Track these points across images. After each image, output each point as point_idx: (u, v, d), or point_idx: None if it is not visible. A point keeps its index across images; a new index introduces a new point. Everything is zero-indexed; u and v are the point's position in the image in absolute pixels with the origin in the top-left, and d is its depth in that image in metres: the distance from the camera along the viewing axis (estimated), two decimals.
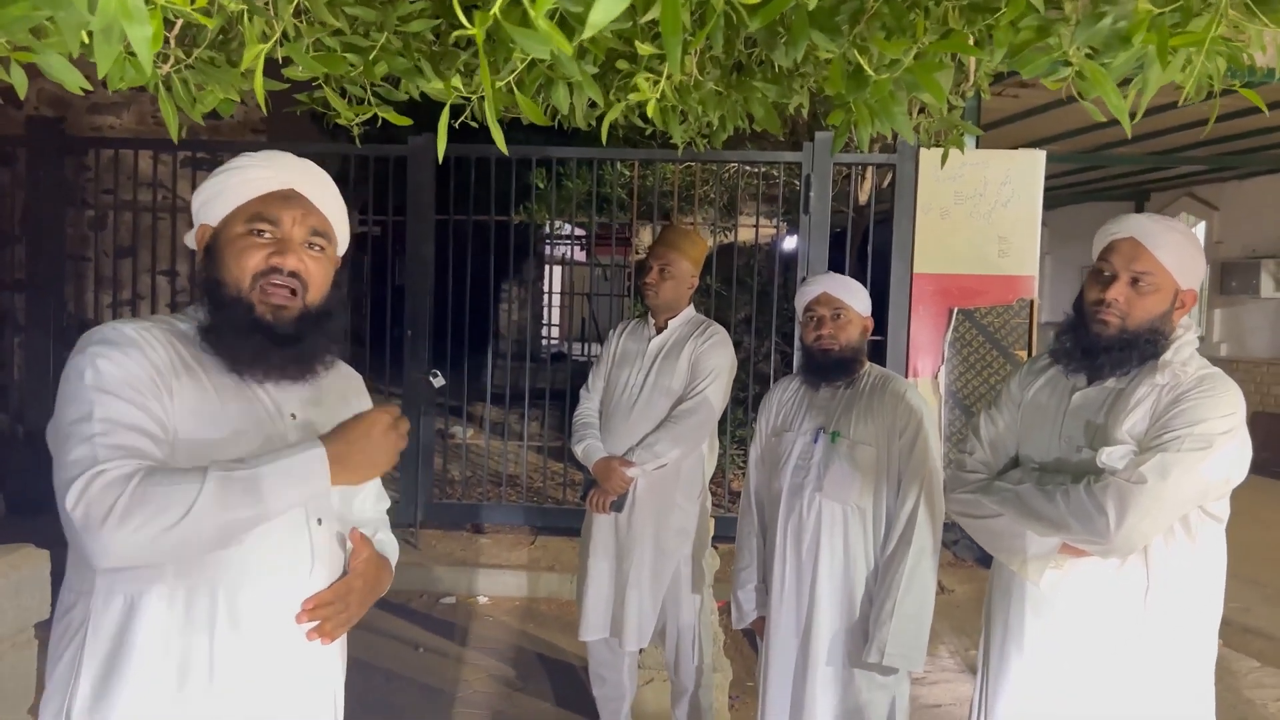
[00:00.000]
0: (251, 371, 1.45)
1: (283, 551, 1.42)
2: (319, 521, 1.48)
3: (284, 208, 1.48)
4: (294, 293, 1.46)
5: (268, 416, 1.46)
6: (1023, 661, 2.03)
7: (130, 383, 1.32)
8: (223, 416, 1.41)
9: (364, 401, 1.69)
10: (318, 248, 1.51)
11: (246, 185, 1.49)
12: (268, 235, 1.46)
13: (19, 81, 1.38)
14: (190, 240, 1.56)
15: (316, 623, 1.45)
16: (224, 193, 1.49)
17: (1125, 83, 1.54)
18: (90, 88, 1.44)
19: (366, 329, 5.52)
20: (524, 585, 5.04)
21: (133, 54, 1.35)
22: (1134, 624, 1.90)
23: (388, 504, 1.81)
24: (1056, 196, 11.50)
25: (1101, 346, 1.94)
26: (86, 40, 1.04)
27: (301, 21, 1.64)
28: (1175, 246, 1.92)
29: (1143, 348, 1.92)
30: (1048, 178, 5.18)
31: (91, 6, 0.96)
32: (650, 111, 1.64)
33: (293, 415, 1.50)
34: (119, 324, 1.40)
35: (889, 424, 2.51)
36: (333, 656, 1.55)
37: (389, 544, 1.73)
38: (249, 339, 1.43)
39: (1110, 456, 1.85)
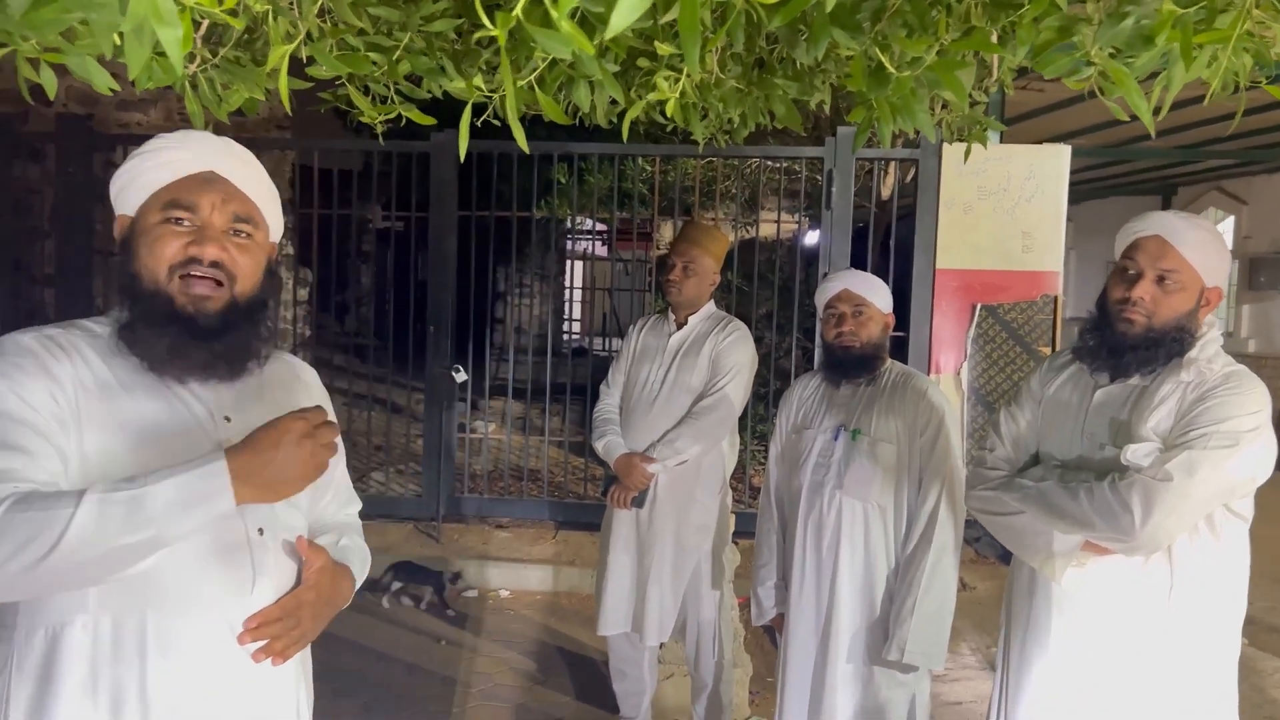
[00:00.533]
0: (170, 370, 1.32)
1: (219, 567, 1.29)
2: (260, 531, 1.34)
3: (202, 192, 1.36)
4: (219, 283, 1.34)
5: (196, 423, 1.33)
6: (1045, 659, 2.02)
7: (18, 396, 1.21)
8: (141, 426, 1.28)
9: (319, 398, 1.55)
10: (243, 234, 1.38)
11: (161, 169, 1.37)
12: (185, 223, 1.34)
13: (49, 82, 1.41)
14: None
15: (264, 642, 1.31)
16: (137, 178, 1.38)
17: (1152, 76, 1.53)
18: (119, 88, 1.47)
19: (389, 324, 5.56)
20: (545, 579, 5.07)
21: (161, 54, 1.37)
22: (1158, 622, 1.90)
23: (358, 506, 1.69)
24: (1082, 191, 11.40)
25: (1127, 345, 1.93)
26: (118, 42, 1.06)
27: (325, 22, 1.66)
28: (1201, 244, 1.91)
29: (1169, 346, 1.91)
30: (1073, 172, 5.14)
31: (123, 8, 0.98)
32: (671, 110, 1.65)
33: (227, 419, 1.36)
34: (18, 334, 1.29)
35: (910, 421, 2.50)
36: (291, 676, 1.41)
37: (354, 550, 1.57)
38: (165, 333, 1.31)
39: (1135, 454, 1.84)
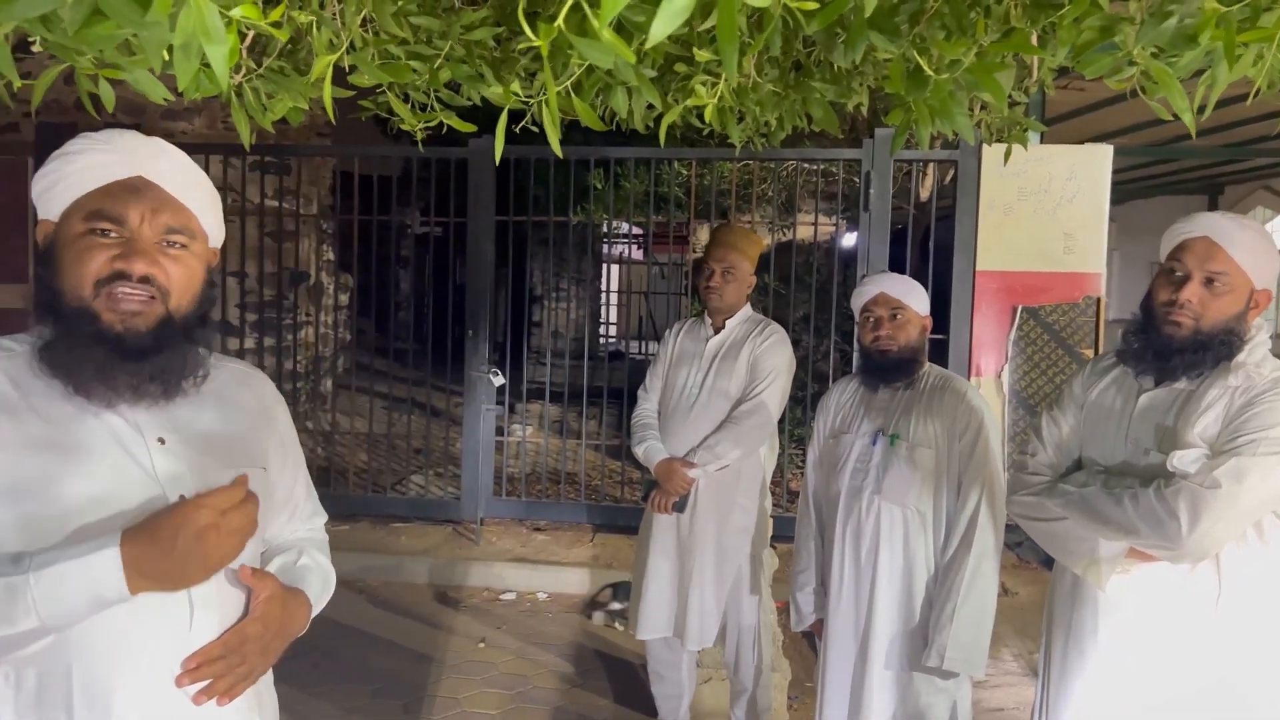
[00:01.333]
0: (95, 392, 1.19)
1: (151, 607, 1.17)
2: None
3: (131, 202, 1.23)
4: (151, 298, 1.23)
5: (120, 448, 1.20)
6: (1088, 666, 2.00)
7: None
8: (59, 454, 1.16)
9: (271, 407, 1.46)
10: (177, 245, 1.26)
11: (85, 174, 1.24)
12: (112, 234, 1.22)
13: (106, 95, 1.44)
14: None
15: (206, 683, 1.21)
16: (59, 182, 1.24)
17: (1196, 75, 1.51)
18: (172, 98, 1.50)
19: (428, 328, 5.61)
20: (583, 582, 5.09)
21: (209, 65, 1.40)
22: (1205, 630, 1.86)
23: (323, 519, 1.58)
24: (1125, 190, 11.24)
25: (1174, 349, 1.89)
26: (167, 57, 1.08)
27: (367, 31, 1.68)
28: (1251, 245, 1.87)
29: (1217, 349, 1.88)
30: (1115, 171, 5.07)
31: (172, 24, 1.00)
32: (709, 116, 1.65)
33: (161, 440, 1.24)
34: None
35: (949, 425, 2.48)
36: (242, 712, 1.29)
37: (314, 569, 1.45)
38: (90, 355, 1.18)
39: (1182, 460, 1.81)
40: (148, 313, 1.22)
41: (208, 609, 1.23)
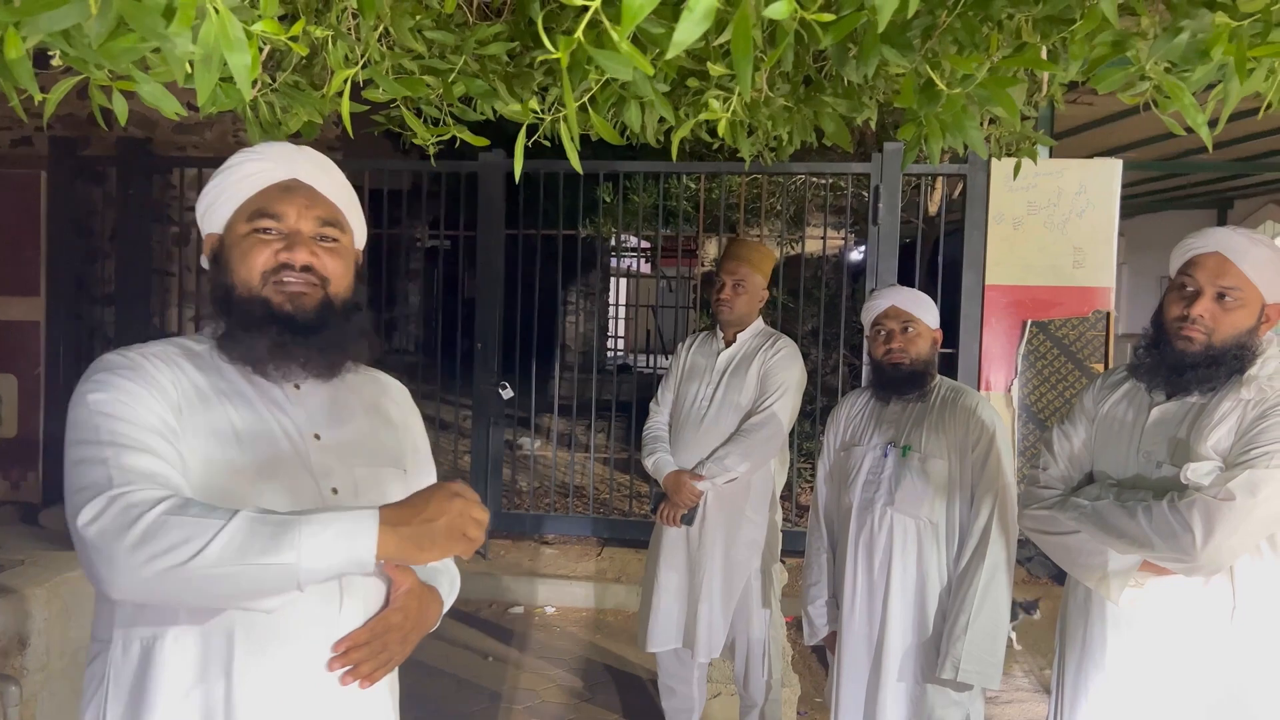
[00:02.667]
0: (271, 367, 1.34)
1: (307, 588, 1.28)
2: None
3: (287, 200, 1.37)
4: (313, 285, 1.36)
5: (287, 440, 1.34)
6: (1101, 680, 1.99)
7: (134, 405, 1.24)
8: (236, 440, 1.30)
9: (408, 415, 1.57)
10: (330, 239, 1.40)
11: (244, 182, 1.38)
12: (273, 231, 1.36)
13: (120, 109, 1.45)
14: (205, 261, 1.45)
15: (350, 666, 1.31)
16: (223, 194, 1.39)
17: (1207, 90, 1.52)
18: (185, 113, 1.51)
19: (437, 341, 5.63)
20: (591, 596, 5.08)
21: (227, 80, 1.42)
22: (1220, 644, 1.86)
23: None
24: (1134, 205, 11.21)
25: (1187, 364, 1.90)
26: (189, 69, 1.10)
27: (383, 46, 1.70)
28: (1262, 260, 1.88)
29: (1229, 364, 1.88)
30: (1125, 185, 5.06)
31: (194, 36, 1.01)
32: (722, 130, 1.66)
33: (316, 436, 1.38)
34: (123, 350, 1.32)
35: (961, 438, 2.48)
36: (378, 698, 1.41)
37: (443, 572, 1.55)
38: (264, 333, 1.32)
39: (1195, 473, 1.81)
40: (311, 294, 1.35)
41: (354, 596, 1.32)
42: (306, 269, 1.35)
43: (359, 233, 1.49)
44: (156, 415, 1.25)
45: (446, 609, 1.53)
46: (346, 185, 1.46)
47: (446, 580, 1.54)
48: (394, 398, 1.57)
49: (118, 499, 1.14)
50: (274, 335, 1.32)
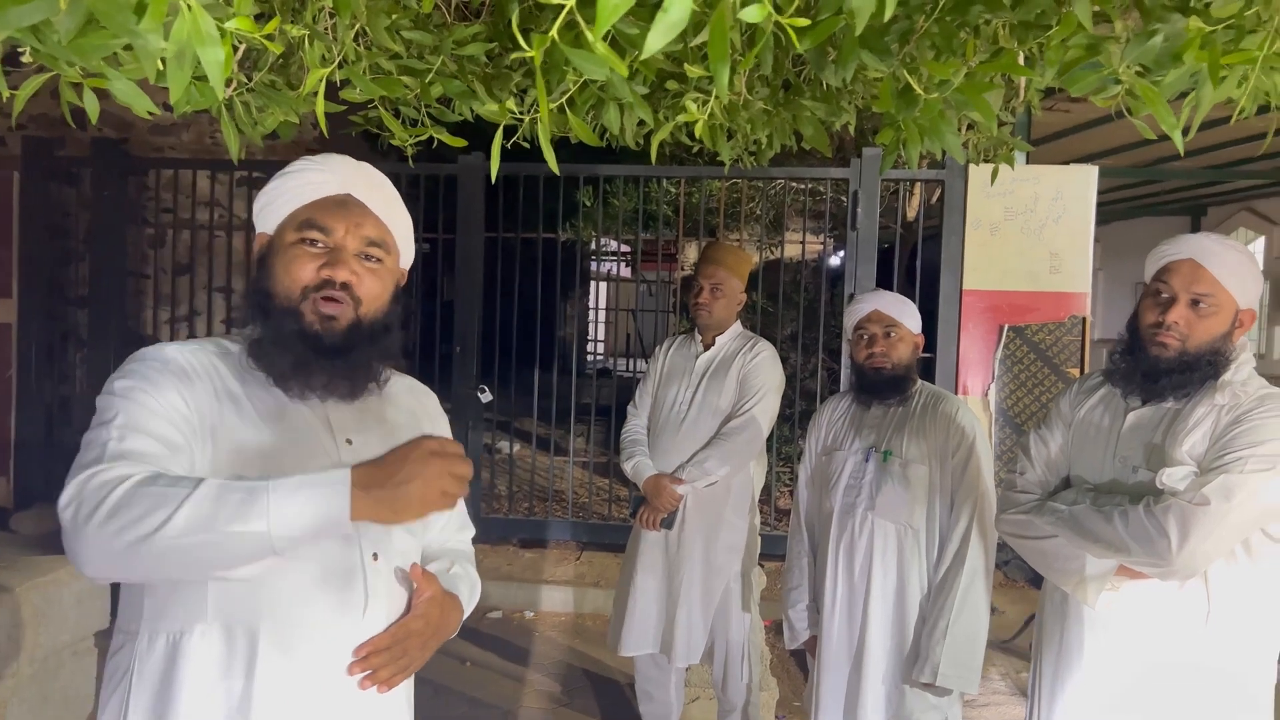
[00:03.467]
0: (293, 384, 1.35)
1: (333, 589, 1.30)
2: (375, 557, 1.35)
3: (338, 215, 1.38)
4: (346, 305, 1.37)
5: (318, 443, 1.36)
6: (1078, 683, 1.99)
7: (154, 395, 1.25)
8: (268, 443, 1.31)
9: (437, 422, 1.59)
10: (374, 259, 1.40)
11: (301, 190, 1.40)
12: (320, 245, 1.37)
13: (91, 107, 1.43)
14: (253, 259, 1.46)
15: (370, 670, 1.32)
16: (278, 198, 1.41)
17: (1180, 97, 1.53)
18: (158, 112, 1.50)
19: (415, 345, 5.60)
20: (570, 601, 5.06)
21: (200, 78, 1.40)
22: (1194, 647, 1.87)
23: (471, 533, 1.68)
24: (1110, 211, 11.33)
25: (1162, 369, 1.91)
26: (161, 67, 1.08)
27: (360, 45, 1.68)
28: (1235, 266, 1.89)
29: (1203, 370, 1.89)
30: (1100, 192, 5.11)
31: (165, 32, 1.00)
32: (700, 132, 1.66)
33: (348, 441, 1.39)
34: (160, 346, 1.34)
35: (941, 443, 2.49)
36: (395, 703, 1.41)
37: (464, 578, 1.55)
38: (290, 350, 1.34)
39: (1171, 478, 1.82)
40: (341, 317, 1.36)
41: (378, 600, 1.34)
42: (345, 286, 1.36)
43: (406, 254, 1.50)
44: (173, 406, 1.26)
45: (466, 616, 1.54)
46: (401, 206, 1.47)
47: (467, 587, 1.55)
48: (424, 405, 1.59)
49: (94, 476, 1.14)
50: (299, 353, 1.34)
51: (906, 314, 2.60)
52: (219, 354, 1.37)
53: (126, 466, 1.16)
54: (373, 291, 1.39)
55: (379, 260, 1.41)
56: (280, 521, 1.11)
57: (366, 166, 1.45)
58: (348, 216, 1.38)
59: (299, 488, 1.13)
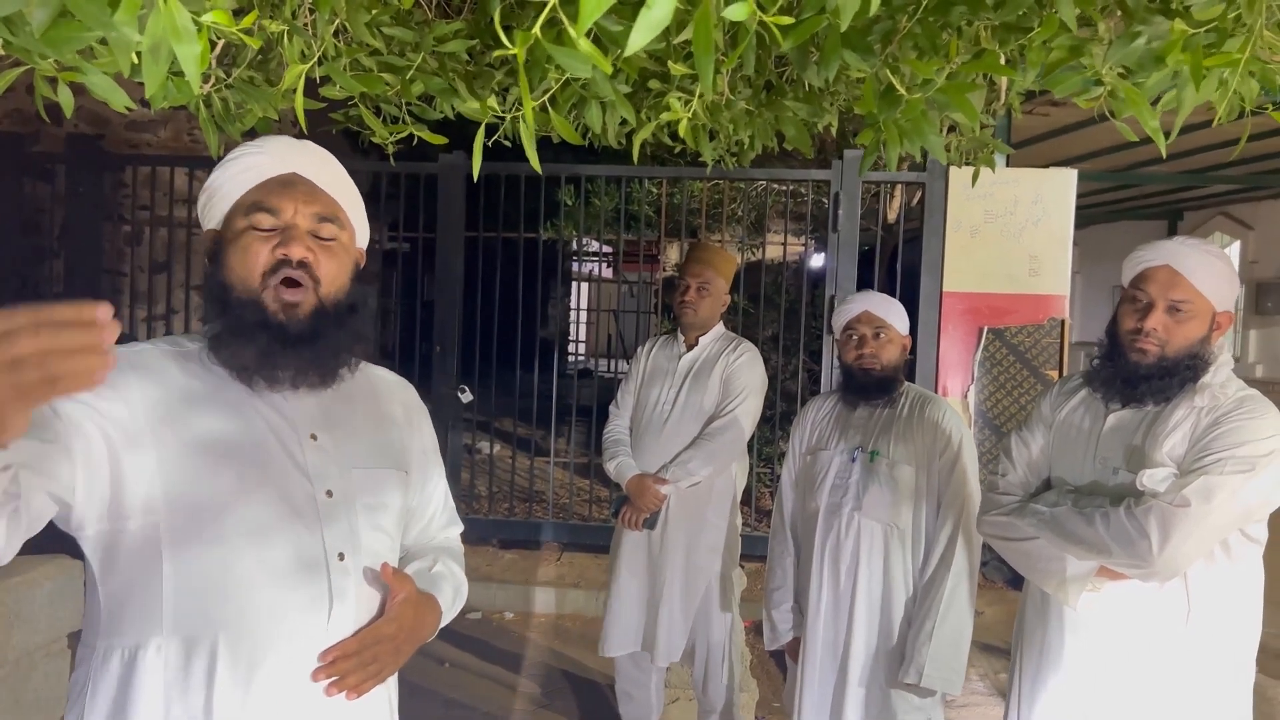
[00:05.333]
0: (258, 377, 1.28)
1: (294, 592, 1.24)
2: (340, 557, 1.28)
3: (284, 194, 1.31)
4: (305, 286, 1.29)
5: (279, 443, 1.29)
6: (1058, 683, 2.00)
7: (74, 400, 1.14)
8: (222, 441, 1.25)
9: (413, 414, 1.52)
10: (328, 238, 1.33)
11: (243, 175, 1.33)
12: (270, 227, 1.29)
13: (66, 101, 1.41)
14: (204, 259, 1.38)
15: (336, 677, 1.25)
16: (220, 189, 1.34)
17: (1159, 100, 1.54)
18: (135, 107, 1.47)
19: (395, 344, 5.57)
20: (550, 601, 5.04)
21: (177, 73, 1.38)
22: (1174, 647, 1.88)
23: (459, 529, 1.61)
24: (1088, 215, 11.42)
25: (1141, 375, 1.92)
26: (136, 61, 1.06)
27: (340, 41, 1.67)
28: (1211, 270, 1.90)
29: (1182, 373, 1.90)
30: (1079, 196, 5.14)
31: (141, 27, 0.98)
32: (682, 131, 1.65)
33: (313, 436, 1.32)
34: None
35: (929, 445, 2.50)
36: (373, 708, 1.35)
37: (448, 577, 1.49)
38: (253, 341, 1.26)
39: (1151, 479, 1.83)
40: (303, 302, 1.28)
41: (345, 602, 1.27)
42: (302, 264, 1.28)
43: (360, 231, 1.43)
44: (91, 406, 1.16)
45: (450, 618, 1.49)
46: (349, 181, 1.41)
47: (450, 587, 1.49)
48: (399, 397, 1.52)
49: None
50: (263, 344, 1.26)
51: (896, 315, 2.60)
52: (172, 353, 1.30)
53: None
54: (331, 272, 1.32)
55: (333, 238, 1.34)
56: None
57: (309, 144, 1.38)
58: (295, 195, 1.31)
59: None
